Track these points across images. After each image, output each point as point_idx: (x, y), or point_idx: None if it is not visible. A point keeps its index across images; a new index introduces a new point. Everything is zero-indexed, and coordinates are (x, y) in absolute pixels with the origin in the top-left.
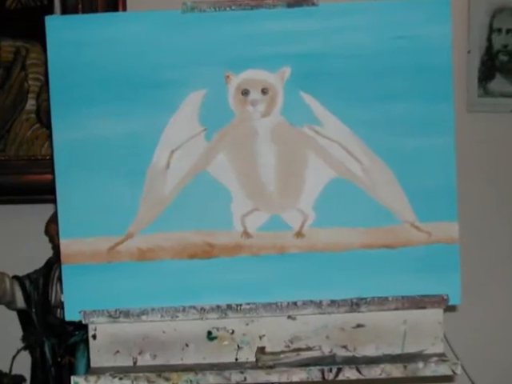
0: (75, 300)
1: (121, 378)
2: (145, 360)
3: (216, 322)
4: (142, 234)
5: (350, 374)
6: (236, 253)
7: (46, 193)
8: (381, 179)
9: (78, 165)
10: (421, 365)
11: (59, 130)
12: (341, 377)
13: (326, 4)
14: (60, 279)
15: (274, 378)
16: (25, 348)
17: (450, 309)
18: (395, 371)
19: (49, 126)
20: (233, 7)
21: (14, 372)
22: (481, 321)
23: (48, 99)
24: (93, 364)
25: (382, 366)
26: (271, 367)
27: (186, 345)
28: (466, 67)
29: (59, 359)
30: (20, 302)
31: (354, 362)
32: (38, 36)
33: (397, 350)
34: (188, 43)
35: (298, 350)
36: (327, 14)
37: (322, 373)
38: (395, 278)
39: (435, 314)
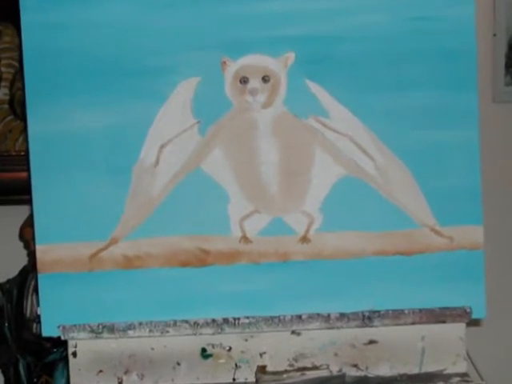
0: (53, 313)
1: None
2: (131, 380)
3: (211, 337)
4: (128, 239)
5: None
6: (233, 260)
7: (20, 193)
8: (396, 178)
9: (56, 161)
10: None
11: (35, 122)
12: None
13: None
14: (36, 290)
15: None
16: None
17: (474, 323)
18: None
19: (24, 119)
20: None
21: None
22: (508, 336)
23: (23, 88)
24: None
25: None
26: None
27: (178, 363)
28: (492, 52)
29: (35, 380)
30: None
31: (365, 382)
32: (12, 17)
33: (414, 370)
34: (178, 24)
35: (303, 369)
36: None
37: None
38: (412, 289)
39: (457, 329)
